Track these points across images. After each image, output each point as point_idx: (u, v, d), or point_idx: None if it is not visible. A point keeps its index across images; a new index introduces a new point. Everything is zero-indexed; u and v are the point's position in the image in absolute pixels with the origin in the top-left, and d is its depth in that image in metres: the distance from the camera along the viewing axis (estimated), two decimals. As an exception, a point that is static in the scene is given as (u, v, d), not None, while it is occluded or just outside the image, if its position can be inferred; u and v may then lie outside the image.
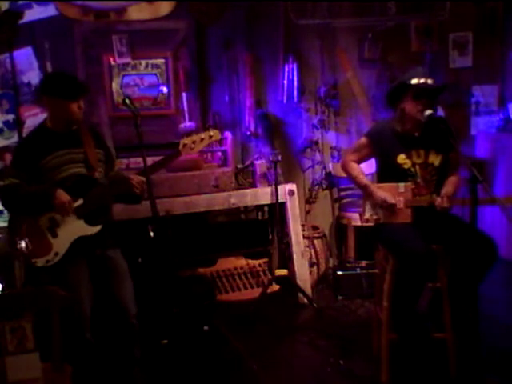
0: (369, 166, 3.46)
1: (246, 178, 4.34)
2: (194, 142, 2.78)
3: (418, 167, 2.97)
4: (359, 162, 3.17)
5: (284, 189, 4.12)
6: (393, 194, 2.92)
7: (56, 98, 2.67)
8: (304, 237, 4.25)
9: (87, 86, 2.76)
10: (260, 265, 4.36)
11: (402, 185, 2.92)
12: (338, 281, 4.19)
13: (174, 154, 2.81)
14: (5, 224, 2.85)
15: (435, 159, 2.98)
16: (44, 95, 2.72)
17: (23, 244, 2.66)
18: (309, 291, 4.08)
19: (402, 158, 2.98)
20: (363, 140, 3.16)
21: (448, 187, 2.95)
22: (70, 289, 2.42)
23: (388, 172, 3.05)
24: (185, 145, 2.77)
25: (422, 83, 2.91)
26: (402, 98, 2.98)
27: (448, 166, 3.01)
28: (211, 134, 2.82)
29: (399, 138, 3.01)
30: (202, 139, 2.79)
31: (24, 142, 2.90)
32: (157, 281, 3.45)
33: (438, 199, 2.84)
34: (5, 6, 3.88)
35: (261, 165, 4.23)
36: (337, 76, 4.70)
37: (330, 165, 4.71)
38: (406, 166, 2.97)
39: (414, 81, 2.92)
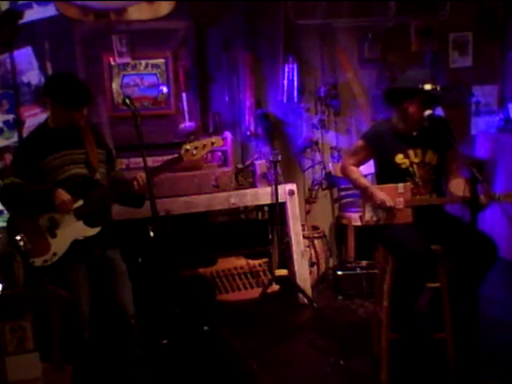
0: (368, 167, 3.46)
1: (246, 178, 4.34)
2: (195, 148, 2.77)
3: (415, 166, 2.97)
4: (358, 164, 3.17)
5: (284, 189, 4.12)
6: (393, 194, 2.91)
7: (58, 104, 2.67)
8: (304, 237, 4.25)
9: (92, 95, 2.74)
10: (260, 265, 4.36)
11: (401, 185, 2.92)
12: (338, 281, 4.20)
13: (175, 160, 2.80)
14: (5, 224, 2.84)
15: (432, 158, 2.97)
16: (47, 97, 2.72)
17: (21, 243, 2.67)
18: (309, 291, 4.09)
19: (399, 158, 2.98)
20: (360, 143, 3.16)
21: (462, 191, 2.80)
22: (69, 289, 2.42)
23: (386, 172, 3.05)
24: (187, 150, 2.77)
25: (435, 90, 2.87)
26: (408, 98, 2.93)
27: (445, 165, 3.01)
28: (213, 140, 2.82)
29: (397, 137, 3.01)
30: (204, 145, 2.79)
31: (25, 142, 2.89)
32: (157, 281, 3.45)
33: (482, 198, 2.65)
34: (5, 5, 3.88)
35: (261, 165, 4.24)
36: (337, 76, 4.70)
37: (330, 165, 4.71)
38: (403, 166, 2.98)
39: (427, 87, 2.86)
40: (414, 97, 2.92)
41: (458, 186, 2.89)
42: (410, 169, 2.97)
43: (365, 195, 3.01)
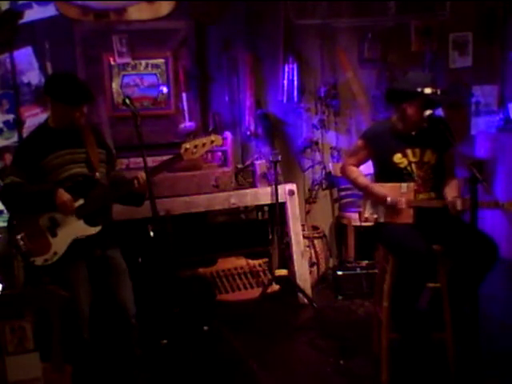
0: (368, 167, 3.46)
1: (246, 178, 4.34)
2: (195, 147, 2.77)
3: (413, 166, 2.97)
4: (358, 164, 3.17)
5: (284, 189, 4.12)
6: (395, 194, 2.91)
7: (59, 102, 2.67)
8: (304, 237, 4.25)
9: (92, 94, 2.74)
10: (260, 265, 4.36)
11: (404, 185, 2.91)
12: (338, 281, 4.20)
13: (175, 158, 2.80)
14: (5, 224, 2.84)
15: (431, 158, 2.97)
16: (47, 96, 2.72)
17: (22, 242, 2.67)
18: (309, 291, 4.09)
19: (398, 157, 2.98)
20: (359, 142, 3.16)
21: (452, 191, 2.90)
22: (69, 289, 2.42)
23: (385, 172, 3.05)
24: (186, 149, 2.76)
25: (435, 94, 2.87)
26: (407, 100, 2.93)
27: (443, 165, 3.01)
28: (213, 139, 2.81)
29: (396, 136, 3.01)
30: (203, 144, 2.79)
31: (26, 141, 2.89)
32: (157, 281, 3.46)
33: (458, 202, 2.74)
34: (5, 5, 3.88)
35: (261, 165, 4.24)
36: (337, 76, 4.70)
37: (330, 165, 4.71)
38: (401, 165, 2.97)
39: (427, 90, 2.86)
40: (413, 99, 2.92)
41: (451, 189, 2.92)
42: (408, 168, 2.96)
43: (366, 193, 3.02)
